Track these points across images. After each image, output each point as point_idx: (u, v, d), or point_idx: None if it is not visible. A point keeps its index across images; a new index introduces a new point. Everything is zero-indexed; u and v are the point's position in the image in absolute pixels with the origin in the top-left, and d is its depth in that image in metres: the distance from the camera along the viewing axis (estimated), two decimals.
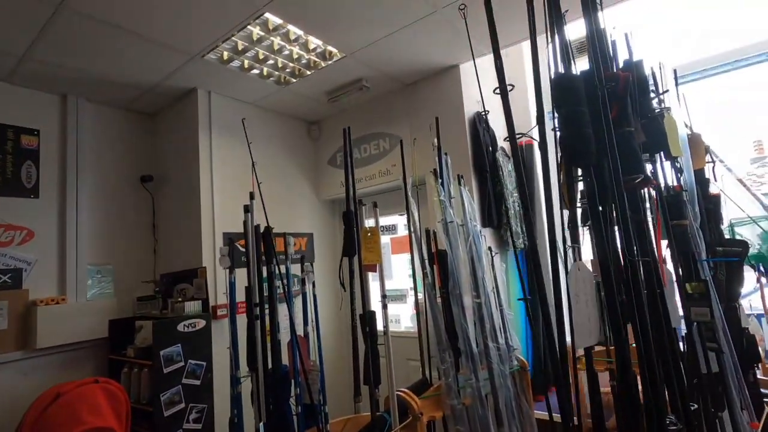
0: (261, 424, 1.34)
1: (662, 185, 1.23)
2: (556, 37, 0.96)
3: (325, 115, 3.55)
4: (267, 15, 2.12)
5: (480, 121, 2.87)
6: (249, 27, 2.21)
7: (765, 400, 1.59)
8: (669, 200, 1.18)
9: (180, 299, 2.62)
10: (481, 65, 2.73)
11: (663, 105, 1.09)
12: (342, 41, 2.43)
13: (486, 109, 2.04)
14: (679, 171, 1.29)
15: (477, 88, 1.83)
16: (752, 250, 2.03)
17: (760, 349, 2.05)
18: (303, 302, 1.64)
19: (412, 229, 2.05)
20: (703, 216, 1.33)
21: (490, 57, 2.70)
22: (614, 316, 0.78)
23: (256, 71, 2.69)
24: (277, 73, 2.74)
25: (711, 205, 1.41)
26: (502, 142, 3.02)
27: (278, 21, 2.18)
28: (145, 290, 2.95)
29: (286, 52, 2.52)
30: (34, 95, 2.64)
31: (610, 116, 0.86)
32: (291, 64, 2.66)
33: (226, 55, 2.47)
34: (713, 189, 2.21)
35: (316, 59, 2.62)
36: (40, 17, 1.98)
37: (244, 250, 1.69)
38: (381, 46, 2.49)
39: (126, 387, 2.43)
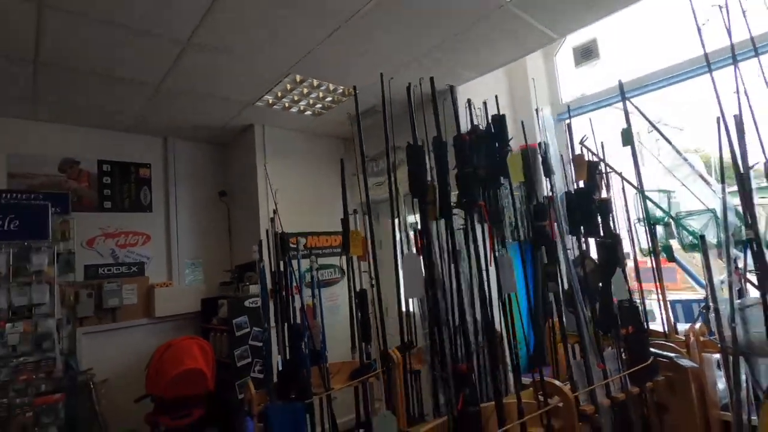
0: (279, 357, 2.10)
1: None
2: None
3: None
4: (292, 74, 2.88)
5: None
6: (282, 83, 2.99)
7: (663, 360, 1.99)
8: (536, 207, 1.68)
9: (247, 283, 3.53)
10: (479, 86, 3.27)
11: (509, 148, 1.58)
12: (353, 82, 3.11)
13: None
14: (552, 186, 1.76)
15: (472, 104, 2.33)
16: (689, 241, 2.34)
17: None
18: (312, 282, 2.37)
19: (402, 229, 2.68)
20: (575, 217, 1.77)
21: (480, 79, 3.22)
22: (432, 288, 1.37)
23: (294, 110, 3.49)
24: (310, 109, 3.52)
25: (598, 208, 1.84)
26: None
27: (301, 76, 2.94)
28: (225, 277, 3.93)
29: (315, 95, 3.28)
30: (145, 139, 3.72)
31: (447, 164, 1.43)
32: (320, 102, 3.41)
33: (270, 101, 3.29)
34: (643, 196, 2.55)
35: (338, 96, 3.34)
36: (146, 93, 2.96)
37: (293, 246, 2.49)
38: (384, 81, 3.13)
39: (213, 346, 3.40)
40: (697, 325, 2.36)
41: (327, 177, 4.15)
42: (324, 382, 2.17)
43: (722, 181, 2.04)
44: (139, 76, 2.72)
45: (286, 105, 3.41)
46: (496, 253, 1.54)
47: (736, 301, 2.06)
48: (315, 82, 3.06)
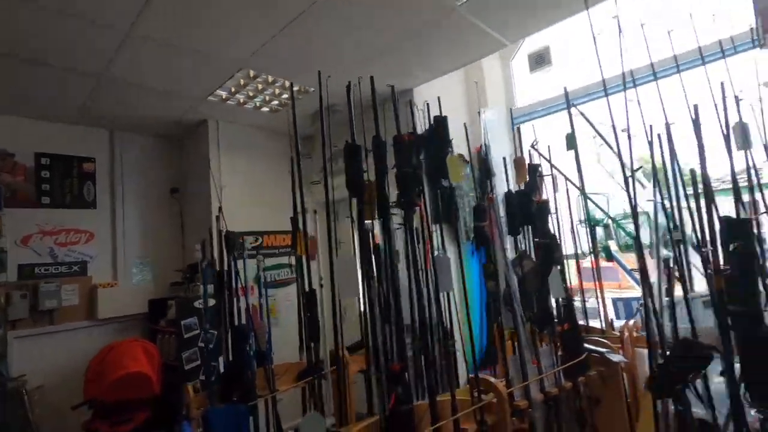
0: (220, 358, 2.05)
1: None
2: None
3: (315, 132, 4.22)
4: (245, 69, 2.82)
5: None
6: (234, 77, 2.92)
7: (595, 355, 2.08)
8: (476, 208, 1.72)
9: (197, 283, 3.42)
10: (437, 87, 3.30)
11: (450, 149, 1.61)
12: (308, 80, 3.08)
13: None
14: (491, 188, 1.81)
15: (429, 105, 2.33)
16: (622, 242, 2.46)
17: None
18: (259, 281, 2.32)
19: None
20: (515, 218, 1.83)
21: (438, 80, 3.25)
22: (370, 288, 1.38)
23: (250, 106, 3.41)
24: (267, 105, 3.45)
25: (537, 210, 1.90)
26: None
27: (255, 72, 2.87)
28: (176, 277, 3.79)
29: (270, 91, 3.21)
30: (91, 132, 3.54)
31: (386, 163, 1.44)
32: (276, 99, 3.35)
33: (224, 96, 3.20)
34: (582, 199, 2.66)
35: (295, 94, 3.29)
36: (88, 84, 2.81)
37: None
38: (341, 80, 3.10)
39: (160, 349, 3.27)
40: (632, 322, 2.49)
41: (286, 175, 4.08)
42: (269, 384, 2.13)
43: (654, 185, 2.16)
44: (78, 65, 2.58)
45: (241, 101, 3.33)
46: (435, 253, 1.56)
47: (665, 299, 2.19)
48: (270, 78, 3.00)
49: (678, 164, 1.98)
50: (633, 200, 1.58)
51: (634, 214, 1.59)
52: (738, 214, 1.29)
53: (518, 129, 2.73)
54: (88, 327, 3.29)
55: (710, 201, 1.44)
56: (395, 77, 3.13)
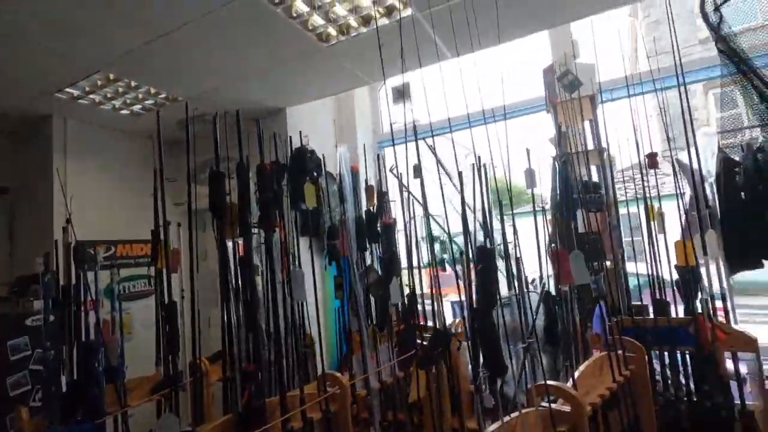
0: (63, 377, 1.95)
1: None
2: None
3: (180, 138, 4.09)
4: (104, 72, 2.68)
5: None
6: (91, 78, 2.74)
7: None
8: (329, 229, 2.03)
9: (31, 299, 3.04)
10: (310, 106, 3.55)
11: (316, 174, 1.92)
12: (176, 90, 3.05)
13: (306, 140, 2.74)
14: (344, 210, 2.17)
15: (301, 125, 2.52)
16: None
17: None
18: (112, 294, 2.25)
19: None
20: (362, 236, 2.21)
21: (316, 102, 3.51)
22: (227, 299, 1.58)
23: (107, 107, 3.19)
24: (127, 108, 3.27)
25: (383, 230, 2.31)
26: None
27: (115, 75, 2.75)
28: (0, 291, 3.29)
29: (132, 95, 3.07)
30: None
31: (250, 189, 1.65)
32: (139, 104, 3.21)
33: (75, 94, 2.96)
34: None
35: (160, 101, 3.20)
36: None
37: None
38: (213, 93, 3.15)
39: None
40: (458, 320, 3.08)
41: (145, 180, 3.86)
42: (119, 399, 2.09)
43: (462, 210, 2.75)
44: None
45: (97, 101, 3.10)
46: (292, 267, 1.80)
47: None
48: (132, 83, 2.89)
49: (489, 198, 2.58)
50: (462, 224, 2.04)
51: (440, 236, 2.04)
52: (485, 243, 1.82)
53: (378, 156, 3.16)
54: None
55: (466, 234, 1.99)
56: (267, 96, 3.31)
